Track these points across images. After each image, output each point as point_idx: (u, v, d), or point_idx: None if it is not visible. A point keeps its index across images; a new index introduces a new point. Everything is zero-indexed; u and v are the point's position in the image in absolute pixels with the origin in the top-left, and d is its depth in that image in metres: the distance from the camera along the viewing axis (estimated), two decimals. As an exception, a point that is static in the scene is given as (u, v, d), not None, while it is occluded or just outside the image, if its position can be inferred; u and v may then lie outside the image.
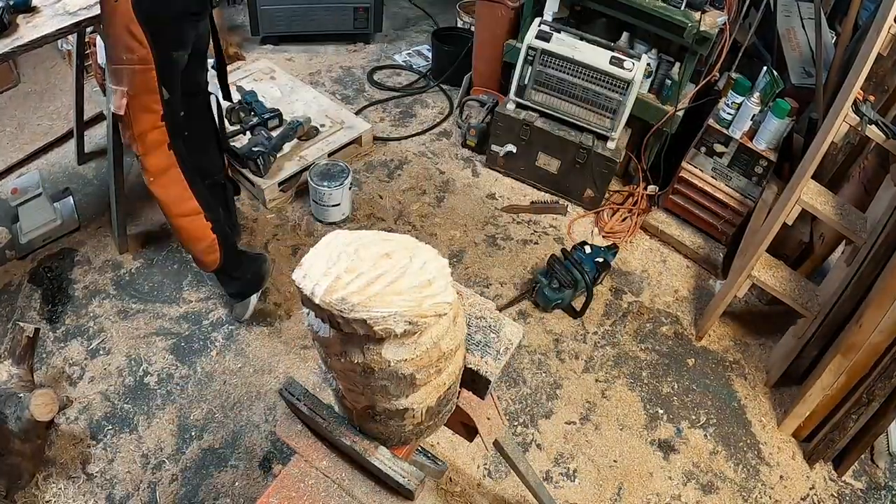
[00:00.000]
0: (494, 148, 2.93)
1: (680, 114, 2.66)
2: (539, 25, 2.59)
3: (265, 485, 1.87)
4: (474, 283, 2.54)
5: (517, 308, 2.46)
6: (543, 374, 2.26)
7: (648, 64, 2.56)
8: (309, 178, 2.60)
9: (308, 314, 0.83)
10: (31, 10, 1.98)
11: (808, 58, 2.56)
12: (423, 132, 3.23)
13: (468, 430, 1.38)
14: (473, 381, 1.09)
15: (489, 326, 1.11)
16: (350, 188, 2.66)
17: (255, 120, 2.81)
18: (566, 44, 2.53)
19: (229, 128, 2.85)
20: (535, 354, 2.31)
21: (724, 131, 2.52)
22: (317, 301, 0.73)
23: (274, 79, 3.25)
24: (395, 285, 0.75)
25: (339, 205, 2.64)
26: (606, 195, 2.90)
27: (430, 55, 3.73)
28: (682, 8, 2.39)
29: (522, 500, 1.92)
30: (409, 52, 3.82)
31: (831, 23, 2.67)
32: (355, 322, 0.74)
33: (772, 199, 2.49)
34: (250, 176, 2.70)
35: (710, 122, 2.55)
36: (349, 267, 0.76)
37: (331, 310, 0.73)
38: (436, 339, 0.82)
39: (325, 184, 2.58)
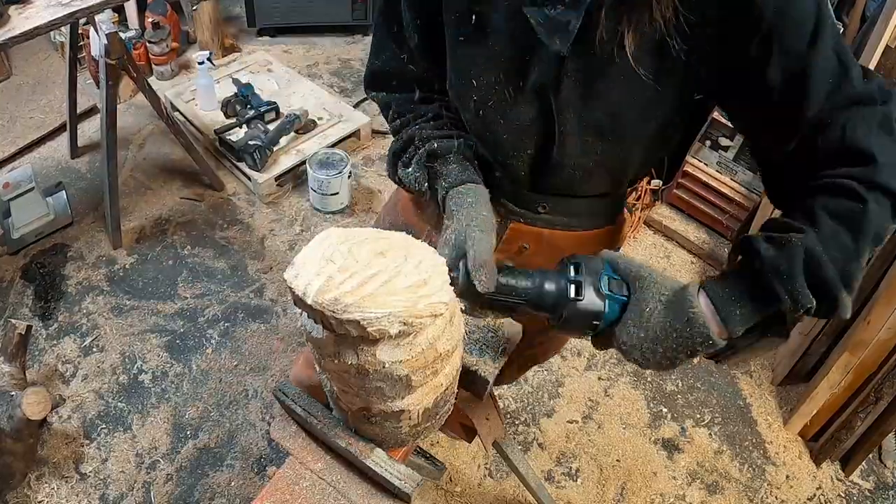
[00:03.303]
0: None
1: (684, 107, 2.61)
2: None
3: (262, 485, 1.84)
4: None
5: (518, 304, 2.43)
6: (545, 372, 2.22)
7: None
8: (308, 167, 2.57)
9: (301, 314, 0.80)
10: (24, 0, 1.94)
11: (815, 50, 2.53)
12: (423, 126, 3.19)
13: (467, 430, 1.35)
14: (472, 381, 1.06)
15: (487, 326, 1.08)
16: (349, 177, 2.62)
17: (251, 113, 2.77)
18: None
19: (225, 121, 2.81)
20: (536, 351, 2.28)
21: (730, 124, 2.48)
22: (309, 302, 0.70)
23: (271, 71, 3.21)
24: (390, 285, 0.71)
25: (337, 193, 2.61)
26: (609, 190, 2.85)
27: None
28: None
29: (524, 501, 1.89)
30: (409, 44, 3.78)
31: (838, 14, 2.63)
32: (348, 323, 0.70)
33: (777, 193, 2.45)
34: (246, 170, 2.66)
35: (716, 115, 2.51)
36: (342, 266, 0.72)
37: (323, 311, 0.70)
38: (432, 339, 0.79)
39: (324, 172, 2.55)
